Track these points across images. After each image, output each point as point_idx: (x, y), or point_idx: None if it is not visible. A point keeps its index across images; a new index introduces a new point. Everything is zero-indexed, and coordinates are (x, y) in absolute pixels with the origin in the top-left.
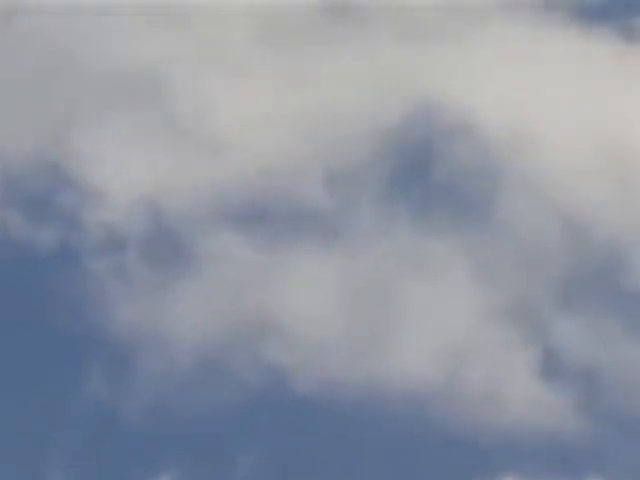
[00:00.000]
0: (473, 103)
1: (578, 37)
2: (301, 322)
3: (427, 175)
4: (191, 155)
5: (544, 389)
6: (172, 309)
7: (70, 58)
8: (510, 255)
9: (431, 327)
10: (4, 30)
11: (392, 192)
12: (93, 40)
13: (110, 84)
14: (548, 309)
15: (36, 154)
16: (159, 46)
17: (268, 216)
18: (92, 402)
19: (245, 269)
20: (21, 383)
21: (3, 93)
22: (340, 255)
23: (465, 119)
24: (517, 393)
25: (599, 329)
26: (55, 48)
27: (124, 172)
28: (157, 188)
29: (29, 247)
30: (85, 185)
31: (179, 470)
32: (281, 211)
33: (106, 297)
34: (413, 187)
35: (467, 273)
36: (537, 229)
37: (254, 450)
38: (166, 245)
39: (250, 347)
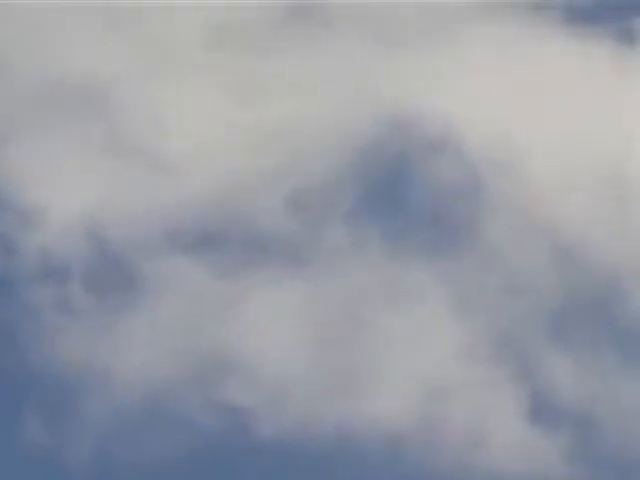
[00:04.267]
0: (455, 115)
1: (572, 41)
2: (263, 358)
3: (403, 195)
4: (139, 174)
5: (532, 432)
6: (119, 345)
7: (1, 66)
8: (495, 283)
9: (408, 363)
10: None
11: (363, 214)
12: (27, 46)
13: (47, 95)
14: (537, 343)
15: None
16: (101, 53)
17: (225, 241)
18: (28, 449)
19: (200, 300)
20: None
21: None
22: (306, 284)
23: (446, 132)
24: (502, 437)
25: (594, 366)
26: None
27: (65, 193)
28: (102, 210)
29: None
30: (21, 207)
31: None
32: (239, 236)
33: (45, 331)
34: (387, 208)
35: (447, 303)
36: (525, 255)
37: None
38: (112, 273)
39: (206, 387)
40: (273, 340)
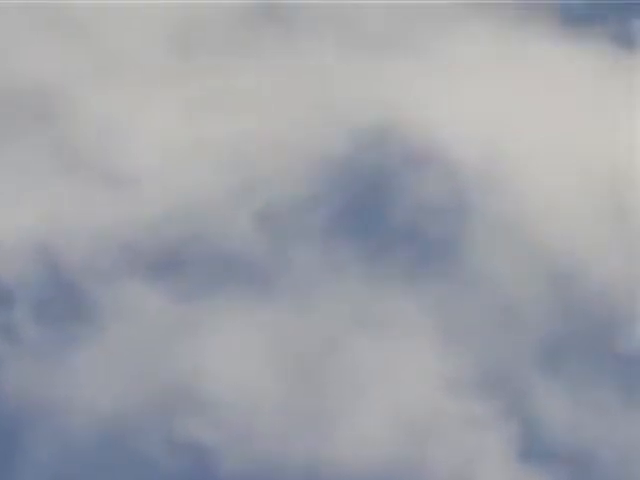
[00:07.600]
0: (438, 126)
1: (564, 44)
2: (227, 392)
3: (382, 214)
4: (93, 191)
5: (524, 472)
6: (70, 376)
7: None
8: (483, 310)
9: (386, 397)
10: None
11: (339, 234)
12: None
13: None
14: (529, 376)
15: None
16: (51, 58)
17: (187, 264)
18: None
19: (159, 328)
20: None
21: None
22: (275, 310)
23: (428, 145)
24: (492, 477)
25: (591, 400)
26: None
27: (11, 212)
28: (52, 230)
29: None
30: None
31: None
32: (202, 258)
33: None
34: (365, 228)
35: (431, 331)
36: (515, 279)
37: None
38: (63, 299)
39: (166, 422)
40: (239, 371)
